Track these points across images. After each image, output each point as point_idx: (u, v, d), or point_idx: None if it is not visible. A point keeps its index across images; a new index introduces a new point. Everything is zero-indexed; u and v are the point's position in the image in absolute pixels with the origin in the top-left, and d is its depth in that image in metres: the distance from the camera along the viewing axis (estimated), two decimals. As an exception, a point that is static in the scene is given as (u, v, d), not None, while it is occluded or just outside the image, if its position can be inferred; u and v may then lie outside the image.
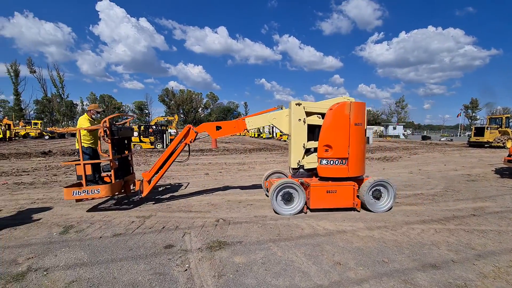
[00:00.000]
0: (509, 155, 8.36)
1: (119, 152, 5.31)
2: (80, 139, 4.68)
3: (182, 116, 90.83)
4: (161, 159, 5.30)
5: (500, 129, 21.48)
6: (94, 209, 5.08)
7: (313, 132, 5.04)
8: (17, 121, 37.72)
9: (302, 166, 5.02)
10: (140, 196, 5.28)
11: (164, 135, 19.62)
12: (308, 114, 4.98)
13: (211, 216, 4.64)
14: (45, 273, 2.82)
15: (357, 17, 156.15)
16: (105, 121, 4.85)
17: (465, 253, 3.28)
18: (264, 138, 36.17)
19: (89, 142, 5.11)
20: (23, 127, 31.93)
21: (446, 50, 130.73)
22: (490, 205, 5.39)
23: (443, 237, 3.78)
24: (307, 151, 5.03)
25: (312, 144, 5.00)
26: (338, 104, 4.74)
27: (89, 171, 4.80)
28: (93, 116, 5.35)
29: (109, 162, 4.92)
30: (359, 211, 4.83)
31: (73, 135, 35.76)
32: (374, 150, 18.39)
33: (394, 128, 46.11)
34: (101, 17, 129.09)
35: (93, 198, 4.95)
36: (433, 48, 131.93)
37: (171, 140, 22.36)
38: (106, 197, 5.12)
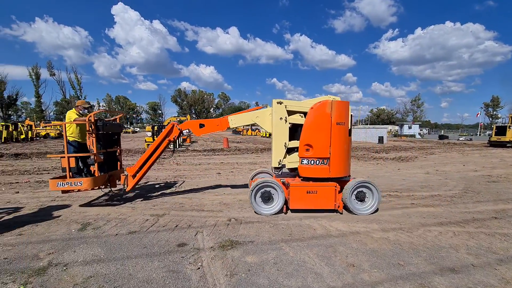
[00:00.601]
0: (533, 155, 7.96)
1: (105, 146, 5.46)
2: (65, 132, 4.89)
3: (194, 116, 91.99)
4: (145, 155, 5.48)
5: (523, 128, 20.46)
6: (88, 204, 5.36)
7: (295, 131, 5.00)
8: (38, 122, 39.36)
9: (284, 166, 5.00)
10: (124, 190, 5.50)
11: (177, 135, 19.91)
12: (291, 113, 4.94)
13: (223, 215, 4.67)
14: (64, 268, 2.93)
15: (371, 14, 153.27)
16: (90, 116, 5.04)
17: (486, 257, 3.15)
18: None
19: (74, 136, 5.29)
20: (44, 128, 33.29)
21: (465, 46, 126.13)
22: (513, 207, 5.14)
23: (462, 240, 3.64)
24: (290, 151, 4.98)
25: (295, 144, 4.92)
26: (319, 103, 4.65)
27: (72, 163, 5.00)
28: (80, 111, 5.55)
29: (93, 156, 5.10)
30: (341, 213, 4.71)
31: (90, 135, 37.02)
32: (388, 150, 17.96)
33: (410, 127, 44.84)
34: (116, 20, 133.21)
35: (79, 190, 5.14)
36: (451, 45, 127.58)
37: (184, 140, 22.72)
38: (89, 189, 5.20)
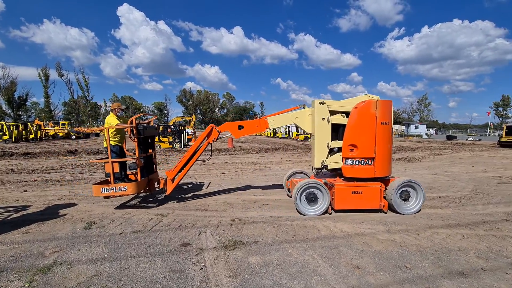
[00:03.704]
0: (546, 156, 7.73)
1: (144, 150, 5.46)
2: (109, 137, 4.83)
3: (199, 116, 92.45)
4: (184, 158, 5.37)
5: (535, 128, 19.96)
6: (122, 206, 5.25)
7: (336, 131, 4.93)
8: (47, 122, 40.08)
9: (325, 166, 4.91)
10: (164, 194, 5.41)
11: (182, 134, 20.06)
12: (332, 113, 4.87)
13: (227, 216, 4.65)
14: (69, 266, 2.95)
15: (376, 12, 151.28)
16: (131, 121, 5.01)
17: (497, 261, 3.06)
18: (280, 138, 35.97)
19: (116, 141, 5.27)
20: (52, 128, 33.87)
21: (474, 44, 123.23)
22: (524, 209, 5.00)
23: (472, 243, 3.54)
24: (331, 151, 4.92)
25: (336, 144, 4.88)
26: (364, 102, 4.61)
27: (116, 169, 4.97)
28: (118, 114, 5.48)
29: (135, 161, 5.06)
30: (386, 213, 4.68)
31: (97, 134, 37.53)
32: (394, 150, 17.73)
33: (416, 128, 44.17)
34: (121, 21, 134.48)
35: (119, 195, 5.11)
36: (459, 43, 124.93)
37: (189, 139, 22.83)
38: (132, 194, 5.25)
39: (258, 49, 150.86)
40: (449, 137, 35.12)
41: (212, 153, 6.50)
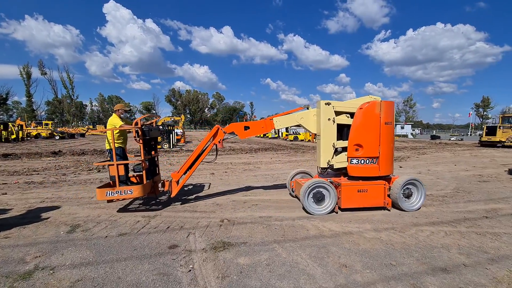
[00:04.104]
0: (523, 155, 8.10)
1: (148, 152, 5.30)
2: (114, 139, 4.66)
3: (188, 116, 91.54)
4: (190, 159, 5.25)
5: (513, 128, 20.87)
6: (125, 210, 5.04)
7: (341, 131, 5.02)
8: (29, 122, 38.67)
9: (331, 166, 4.98)
10: (169, 196, 5.29)
11: (171, 135, 19.77)
12: (337, 113, 4.96)
13: (216, 216, 4.62)
14: (51, 272, 2.85)
15: (364, 14, 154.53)
16: (136, 122, 4.86)
17: (477, 257, 3.17)
18: (270, 138, 36.08)
19: (120, 143, 5.07)
20: (35, 128, 32.67)
21: (456, 47, 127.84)
22: (503, 207, 5.21)
23: (454, 240, 3.66)
24: (335, 151, 5.02)
25: (341, 144, 4.97)
26: (369, 103, 4.74)
27: (122, 171, 4.80)
28: (121, 115, 5.25)
29: (140, 163, 4.90)
30: (389, 210, 4.84)
31: (83, 135, 36.50)
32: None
33: (402, 128, 45.37)
34: (108, 19, 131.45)
35: (123, 199, 4.93)
36: (442, 46, 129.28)
37: (178, 140, 22.54)
38: (139, 197, 5.05)
39: (247, 49, 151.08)
40: (433, 137, 36.24)
41: (212, 154, 6.43)
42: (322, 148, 4.93)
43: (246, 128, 5.25)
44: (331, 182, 4.80)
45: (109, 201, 4.98)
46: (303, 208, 4.83)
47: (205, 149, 5.32)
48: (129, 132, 5.33)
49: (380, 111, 4.66)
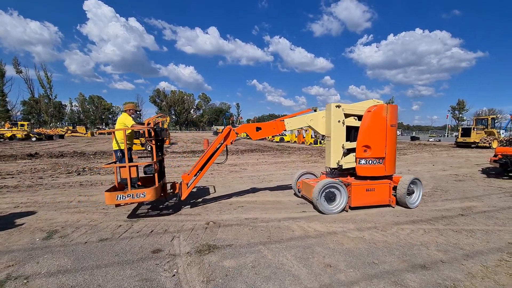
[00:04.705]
0: (494, 155, 8.57)
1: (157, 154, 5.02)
2: (125, 140, 4.46)
3: (173, 117, 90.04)
4: (202, 161, 5.09)
5: (486, 129, 22.07)
6: (134, 215, 4.76)
7: (348, 133, 5.19)
8: (3, 123, 36.59)
9: (340, 166, 5.13)
10: (178, 199, 5.08)
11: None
12: (346, 116, 5.11)
13: (201, 219, 4.56)
14: (25, 281, 2.70)
15: (347, 19, 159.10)
16: (149, 122, 4.65)
17: (454, 253, 3.32)
18: (256, 139, 36.09)
19: (128, 143, 4.81)
20: (9, 129, 30.96)
21: (434, 52, 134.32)
22: (477, 204, 5.49)
23: (432, 237, 3.81)
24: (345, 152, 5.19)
25: (349, 145, 5.13)
26: (376, 106, 5.00)
27: (134, 173, 4.53)
28: (131, 115, 5.06)
29: (152, 164, 4.67)
30: (393, 207, 5.11)
31: (61, 136, 34.98)
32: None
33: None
34: (89, 16, 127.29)
35: (134, 202, 4.65)
36: (420, 51, 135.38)
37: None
38: (152, 200, 4.69)
39: (233, 50, 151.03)
40: (413, 138, 37.63)
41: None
42: (333, 149, 5.10)
43: (258, 129, 5.29)
44: (341, 182, 4.99)
45: (116, 205, 4.63)
46: (314, 208, 4.98)
47: (217, 150, 5.18)
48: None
49: (387, 114, 4.92)
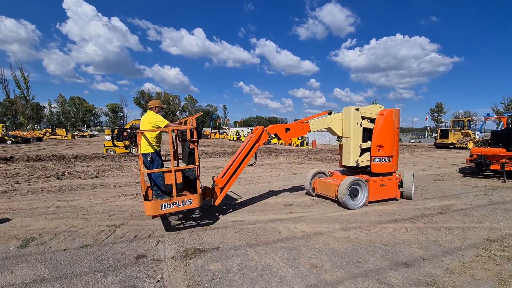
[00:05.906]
0: (470, 156, 8.99)
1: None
2: (171, 140, 4.16)
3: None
4: (235, 163, 4.83)
5: (462, 131, 23.15)
6: (173, 228, 4.27)
7: (363, 134, 5.62)
8: (-25, 125, 34.51)
9: (357, 165, 5.54)
10: (212, 205, 4.89)
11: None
12: (362, 118, 5.57)
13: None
14: (-3, 293, 2.55)
15: (331, 23, 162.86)
16: (192, 121, 4.33)
17: (434, 250, 3.44)
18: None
19: (158, 146, 4.40)
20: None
21: (414, 57, 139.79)
22: (455, 203, 5.73)
23: (413, 235, 3.94)
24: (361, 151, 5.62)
25: (365, 145, 5.59)
26: (387, 110, 5.66)
27: (179, 179, 4.03)
28: (158, 113, 4.58)
29: (193, 169, 4.26)
30: (398, 200, 5.79)
31: (39, 139, 33.43)
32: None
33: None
34: (69, 15, 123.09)
35: (178, 211, 4.29)
36: (401, 55, 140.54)
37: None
38: (197, 207, 4.30)
39: (220, 52, 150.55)
40: (396, 140, 38.78)
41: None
42: (352, 149, 5.50)
43: (287, 130, 5.44)
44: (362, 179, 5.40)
45: (153, 216, 4.20)
46: (339, 205, 5.40)
47: (249, 153, 5.01)
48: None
49: (395, 117, 5.62)
